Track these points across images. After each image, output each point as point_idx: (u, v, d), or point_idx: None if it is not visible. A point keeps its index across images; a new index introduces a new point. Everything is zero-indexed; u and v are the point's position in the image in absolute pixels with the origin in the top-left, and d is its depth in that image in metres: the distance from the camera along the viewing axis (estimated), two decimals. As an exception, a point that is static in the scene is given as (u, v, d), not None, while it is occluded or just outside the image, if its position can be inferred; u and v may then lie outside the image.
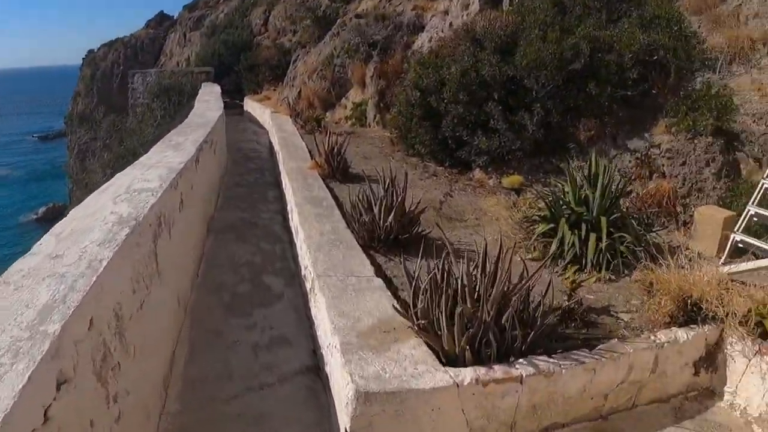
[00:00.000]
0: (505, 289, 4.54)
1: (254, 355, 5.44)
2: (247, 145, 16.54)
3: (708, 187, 8.49)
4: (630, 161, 9.28)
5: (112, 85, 52.15)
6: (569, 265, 6.52)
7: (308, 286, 6.04)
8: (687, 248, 7.25)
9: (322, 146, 10.15)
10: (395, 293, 5.57)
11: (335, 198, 8.62)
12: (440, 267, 4.71)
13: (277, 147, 12.98)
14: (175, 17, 56.86)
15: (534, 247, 7.01)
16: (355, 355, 4.14)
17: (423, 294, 4.52)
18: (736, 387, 5.20)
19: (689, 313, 5.35)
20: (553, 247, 6.72)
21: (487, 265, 4.84)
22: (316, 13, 24.13)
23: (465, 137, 10.40)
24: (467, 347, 4.22)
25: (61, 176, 52.41)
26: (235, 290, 6.80)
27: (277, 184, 11.38)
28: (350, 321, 4.68)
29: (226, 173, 12.42)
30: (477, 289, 4.64)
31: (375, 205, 6.88)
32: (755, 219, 7.29)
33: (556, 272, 6.50)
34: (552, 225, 6.95)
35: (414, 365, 4.10)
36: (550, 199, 7.27)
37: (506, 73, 9.97)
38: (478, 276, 4.75)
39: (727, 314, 5.19)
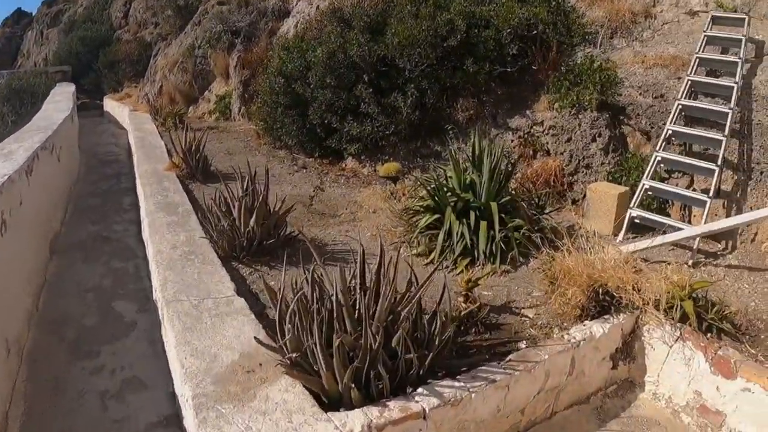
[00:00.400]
0: (393, 302, 3.71)
1: (103, 407, 4.36)
2: (105, 148, 15.10)
3: (596, 163, 8.00)
4: (512, 140, 8.71)
5: (-36, 88, 48.68)
6: (459, 259, 5.80)
7: (159, 313, 5.04)
8: (581, 227, 6.85)
9: (180, 143, 9.07)
10: (261, 312, 4.71)
11: (194, 201, 7.62)
12: (309, 280, 3.83)
13: (133, 148, 11.76)
14: (33, 14, 53.73)
15: (418, 242, 6.23)
16: (212, 412, 3.27)
17: (291, 318, 3.62)
18: (658, 376, 4.88)
19: (601, 303, 4.86)
20: (440, 239, 5.95)
21: (367, 273, 4.01)
22: (177, 2, 22.68)
23: (334, 124, 9.57)
24: (352, 384, 3.38)
25: None
26: (81, 323, 5.63)
27: (135, 190, 10.21)
28: (205, 361, 3.79)
29: (78, 181, 11.11)
30: (357, 308, 3.79)
31: (234, 208, 5.89)
32: (649, 193, 6.99)
33: (446, 268, 5.78)
34: (437, 215, 6.16)
35: (288, 416, 3.26)
36: (432, 186, 6.48)
37: (377, 53, 9.15)
38: (357, 289, 3.90)
39: (644, 301, 4.79)
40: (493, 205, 5.95)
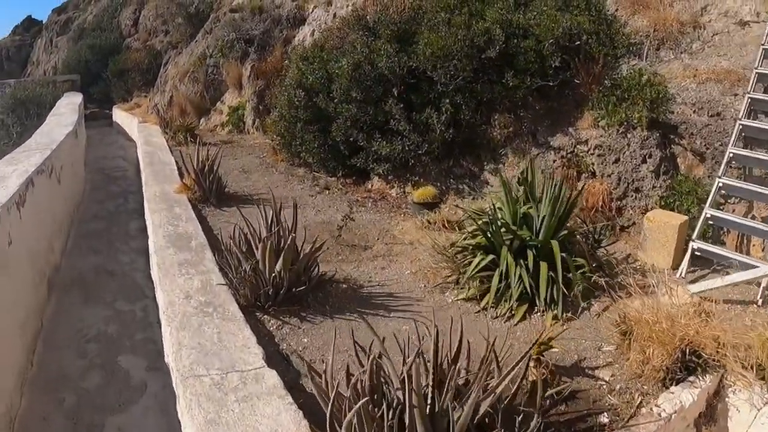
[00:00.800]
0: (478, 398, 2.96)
1: None
2: (112, 162, 14.40)
3: (646, 187, 7.23)
4: (554, 160, 7.93)
5: (-27, 97, 48.45)
6: (516, 305, 5.04)
7: (174, 388, 4.15)
8: (637, 260, 6.22)
9: (191, 162, 8.34)
10: (296, 383, 3.97)
11: (208, 231, 6.88)
12: (368, 370, 3.06)
13: (142, 165, 11.02)
14: (44, 22, 53.55)
15: (468, 284, 5.44)
16: None
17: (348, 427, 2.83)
18: (743, 441, 4.22)
19: (687, 364, 4.18)
20: (494, 282, 5.17)
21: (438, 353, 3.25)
22: (188, 9, 22.00)
23: (360, 142, 8.75)
24: None
25: None
26: (81, 385, 4.87)
27: (143, 213, 9.48)
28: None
29: (83, 201, 10.41)
30: (429, 403, 3.01)
31: (257, 248, 5.11)
32: (711, 222, 6.22)
33: (502, 315, 5.02)
34: (491, 256, 5.37)
35: None
36: (485, 221, 5.71)
37: (406, 64, 8.39)
38: (430, 384, 3.12)
39: (733, 359, 4.15)
40: (555, 245, 5.16)
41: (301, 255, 5.15)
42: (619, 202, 7.34)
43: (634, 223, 6.98)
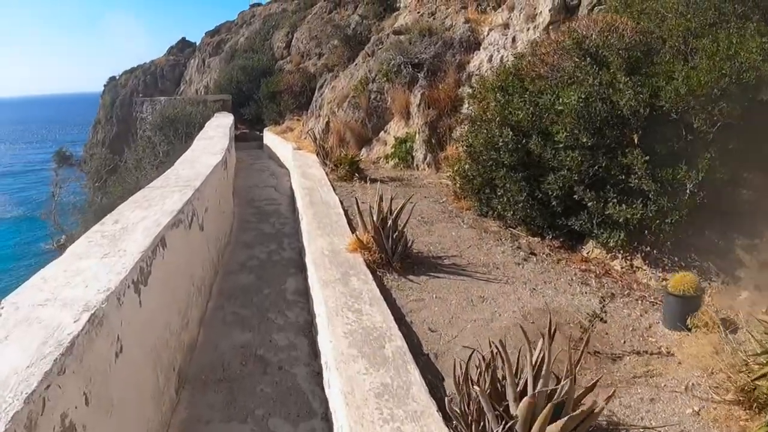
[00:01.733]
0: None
1: None
2: (263, 192, 13.14)
3: None
4: None
5: (131, 113, 50.03)
6: None
7: None
8: None
9: (368, 215, 6.65)
10: None
11: (400, 319, 5.17)
12: None
13: (300, 203, 9.52)
14: (197, 44, 55.49)
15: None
16: None
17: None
18: None
19: None
20: None
21: None
22: (345, 31, 20.84)
23: (586, 200, 6.69)
24: None
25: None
26: None
27: (302, 266, 7.92)
28: None
29: (229, 243, 9.04)
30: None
31: (515, 399, 3.26)
32: None
33: None
34: None
35: None
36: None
37: (650, 103, 6.42)
38: None
39: None
40: None
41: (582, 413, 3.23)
42: None
43: None
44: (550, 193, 7.03)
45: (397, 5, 20.76)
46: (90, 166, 21.59)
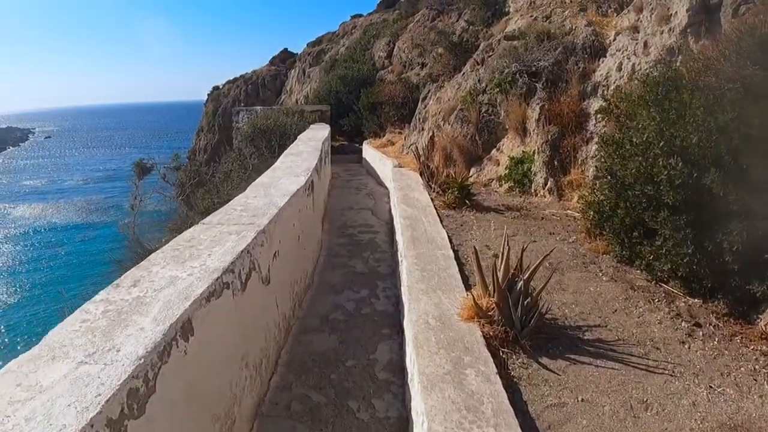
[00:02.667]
0: None
1: None
2: (358, 217, 11.73)
3: None
4: None
5: (232, 121, 50.27)
6: None
7: None
8: None
9: (490, 270, 5.09)
10: None
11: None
12: None
13: (399, 237, 7.98)
14: (298, 54, 55.61)
15: None
16: None
17: None
18: None
19: None
20: None
21: None
22: (450, 38, 19.32)
23: None
24: None
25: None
26: None
27: (398, 326, 6.36)
28: None
29: (310, 286, 7.65)
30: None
31: None
32: None
33: None
34: None
35: None
36: None
37: None
38: None
39: None
40: None
41: None
42: None
43: None
44: (726, 246, 5.25)
45: (507, 9, 19.10)
46: (177, 177, 20.64)
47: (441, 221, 8.46)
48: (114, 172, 79.47)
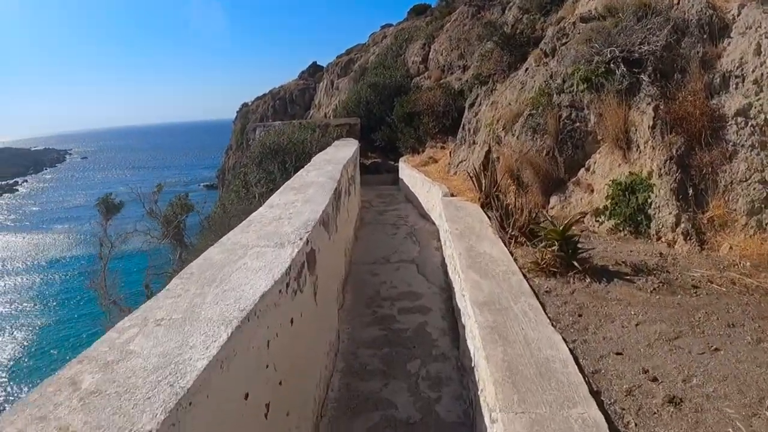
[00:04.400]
0: None
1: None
2: (396, 277, 8.15)
3: None
4: None
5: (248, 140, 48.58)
6: None
7: None
8: None
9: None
10: None
11: None
12: None
13: (472, 345, 4.48)
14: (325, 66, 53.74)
15: None
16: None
17: None
18: None
19: None
20: None
21: None
22: (501, 29, 15.87)
23: None
24: None
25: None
26: None
27: None
28: None
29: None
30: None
31: None
32: None
33: None
34: None
35: None
36: None
37: None
38: None
39: None
40: None
41: None
42: None
43: None
44: None
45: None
46: (160, 214, 17.08)
47: (543, 308, 4.95)
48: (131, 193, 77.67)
